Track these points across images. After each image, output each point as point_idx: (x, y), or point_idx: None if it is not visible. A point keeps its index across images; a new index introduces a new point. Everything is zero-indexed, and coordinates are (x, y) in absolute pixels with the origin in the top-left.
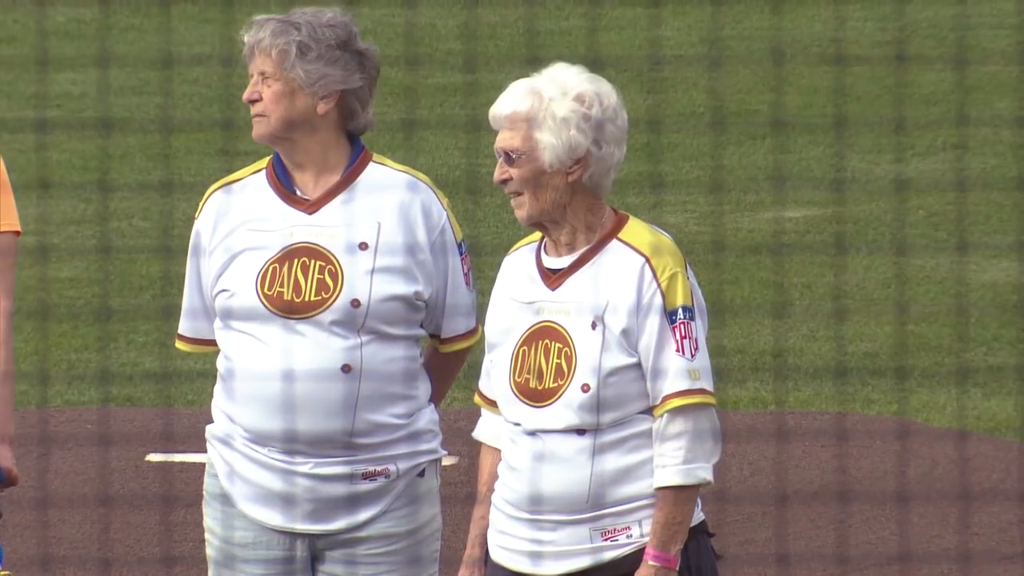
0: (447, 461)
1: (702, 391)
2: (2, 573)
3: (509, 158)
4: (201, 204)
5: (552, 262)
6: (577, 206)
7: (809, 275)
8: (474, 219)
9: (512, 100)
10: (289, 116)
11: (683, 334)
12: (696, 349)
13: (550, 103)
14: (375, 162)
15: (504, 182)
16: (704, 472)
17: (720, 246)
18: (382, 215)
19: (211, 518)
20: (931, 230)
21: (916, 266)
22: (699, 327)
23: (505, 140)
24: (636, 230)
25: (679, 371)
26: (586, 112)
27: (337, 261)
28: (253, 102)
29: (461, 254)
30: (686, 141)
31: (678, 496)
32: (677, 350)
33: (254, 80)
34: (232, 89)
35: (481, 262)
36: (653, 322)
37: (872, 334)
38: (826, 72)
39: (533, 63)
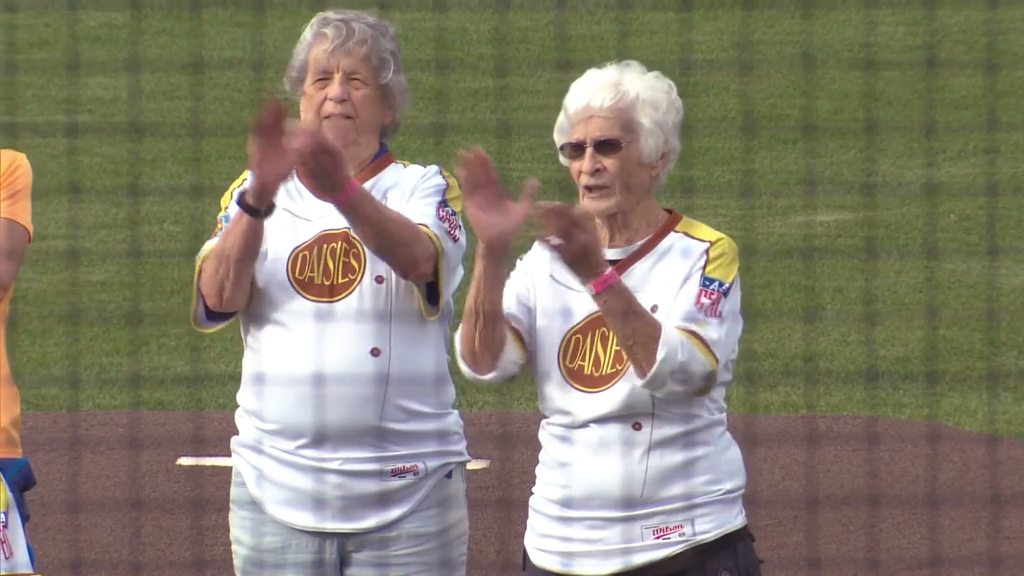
0: (478, 465)
1: (704, 344)
2: None
3: (605, 147)
4: (242, 179)
5: (609, 253)
6: (644, 201)
7: (840, 279)
8: None
9: (608, 91)
10: (374, 122)
11: (709, 299)
12: (715, 317)
13: (648, 94)
14: (395, 163)
15: (594, 172)
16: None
17: (751, 250)
18: (398, 195)
19: (238, 527)
20: (962, 234)
21: (947, 270)
22: (728, 310)
23: (604, 129)
24: (697, 225)
25: (686, 315)
26: (677, 104)
27: (359, 242)
28: (341, 101)
29: (442, 204)
30: (717, 145)
31: (648, 336)
32: (696, 303)
33: (339, 79)
34: (263, 93)
35: None
36: (691, 281)
37: (903, 338)
38: (857, 77)
39: (564, 67)
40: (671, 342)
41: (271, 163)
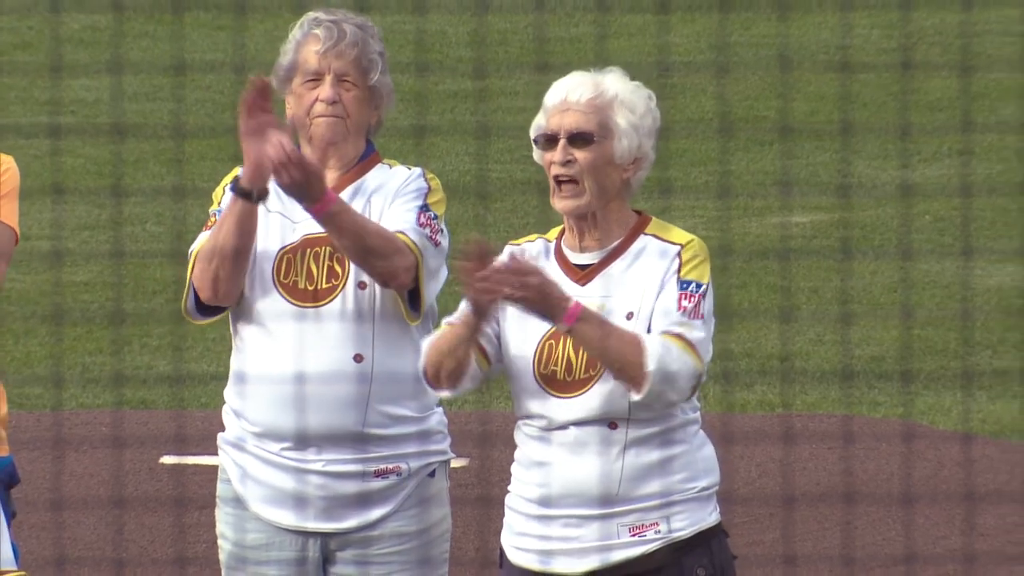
0: (458, 463)
1: (691, 345)
2: (18, 573)
3: (578, 139)
4: (234, 174)
5: (579, 258)
6: (616, 204)
7: (816, 279)
8: (484, 223)
9: (587, 87)
10: (363, 122)
11: (690, 301)
12: (698, 319)
13: (627, 96)
14: (383, 163)
15: (565, 163)
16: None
17: (728, 251)
18: (381, 199)
19: (224, 522)
20: (937, 235)
21: (922, 271)
22: (707, 310)
23: (579, 122)
24: (667, 227)
25: (671, 319)
26: (655, 114)
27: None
28: (332, 103)
29: (423, 208)
30: (694, 147)
31: (633, 350)
32: (678, 308)
33: (331, 81)
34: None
35: None
36: (668, 287)
37: (878, 338)
38: (833, 79)
39: (543, 69)
40: (656, 351)
41: (261, 142)
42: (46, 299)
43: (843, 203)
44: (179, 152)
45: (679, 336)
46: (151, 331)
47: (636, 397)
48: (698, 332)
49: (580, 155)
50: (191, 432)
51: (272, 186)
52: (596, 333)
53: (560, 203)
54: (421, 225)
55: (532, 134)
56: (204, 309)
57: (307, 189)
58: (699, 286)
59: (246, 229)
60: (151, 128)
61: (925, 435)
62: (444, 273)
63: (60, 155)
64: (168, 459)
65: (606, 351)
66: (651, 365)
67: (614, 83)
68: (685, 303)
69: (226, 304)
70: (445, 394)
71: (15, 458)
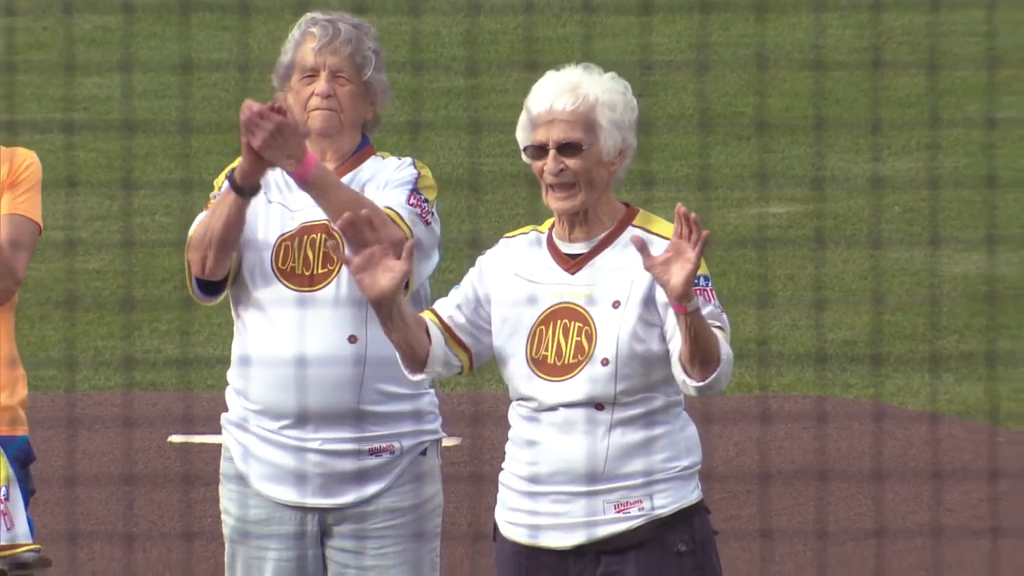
0: (449, 442)
1: (728, 337)
2: (33, 547)
3: (567, 149)
4: (235, 164)
5: (569, 248)
6: (604, 196)
7: (791, 267)
8: (476, 215)
9: (568, 95)
10: (357, 117)
11: (708, 296)
12: (723, 313)
13: (605, 96)
14: (375, 155)
15: (558, 173)
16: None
17: (707, 240)
18: (374, 188)
19: (227, 499)
20: (906, 225)
21: (892, 259)
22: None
23: (566, 132)
24: (654, 219)
25: (708, 314)
26: (632, 103)
27: (339, 233)
28: (326, 97)
29: (413, 191)
30: (675, 141)
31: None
32: (710, 302)
33: (326, 76)
34: (248, 93)
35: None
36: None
37: (850, 323)
38: (807, 76)
39: (532, 68)
40: (724, 346)
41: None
42: (60, 286)
43: (817, 195)
44: (186, 147)
45: (720, 329)
46: (160, 316)
47: (698, 384)
48: (727, 326)
49: (571, 162)
50: (198, 412)
51: (274, 178)
52: (703, 323)
53: (555, 203)
54: (411, 205)
55: (521, 143)
56: (206, 290)
57: (288, 144)
58: (707, 279)
59: (235, 216)
60: (160, 124)
61: (895, 415)
62: (436, 257)
63: (73, 149)
64: (176, 438)
65: (698, 343)
66: (724, 354)
67: (592, 85)
68: (709, 296)
69: (214, 279)
70: (419, 378)
71: (31, 437)
